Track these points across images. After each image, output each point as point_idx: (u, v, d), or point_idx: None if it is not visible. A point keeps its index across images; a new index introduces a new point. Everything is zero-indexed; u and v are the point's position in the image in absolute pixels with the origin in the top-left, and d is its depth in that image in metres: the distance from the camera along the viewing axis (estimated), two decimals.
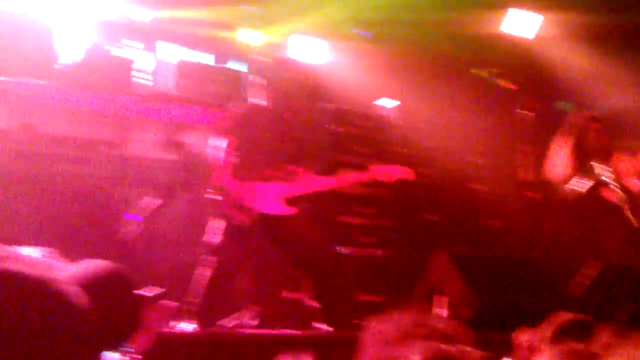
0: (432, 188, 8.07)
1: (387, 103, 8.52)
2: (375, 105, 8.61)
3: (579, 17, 8.37)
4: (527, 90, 8.86)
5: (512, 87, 5.68)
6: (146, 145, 6.49)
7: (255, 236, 5.37)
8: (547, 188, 7.51)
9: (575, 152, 6.61)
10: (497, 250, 7.56)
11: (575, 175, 6.51)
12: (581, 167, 6.55)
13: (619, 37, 8.44)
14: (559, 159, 6.67)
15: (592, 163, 6.56)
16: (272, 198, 5.52)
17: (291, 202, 5.58)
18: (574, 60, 8.60)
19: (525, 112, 5.95)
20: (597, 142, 6.65)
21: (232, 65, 8.21)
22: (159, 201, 5.94)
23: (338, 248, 7.17)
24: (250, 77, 7.06)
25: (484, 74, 5.85)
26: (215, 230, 5.31)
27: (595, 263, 6.08)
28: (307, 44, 8.40)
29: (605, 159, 6.67)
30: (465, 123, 8.32)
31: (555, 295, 5.96)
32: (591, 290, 5.74)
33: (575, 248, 6.67)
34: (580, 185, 6.49)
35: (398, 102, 8.20)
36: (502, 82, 5.82)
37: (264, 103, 6.10)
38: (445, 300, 5.33)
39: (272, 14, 8.21)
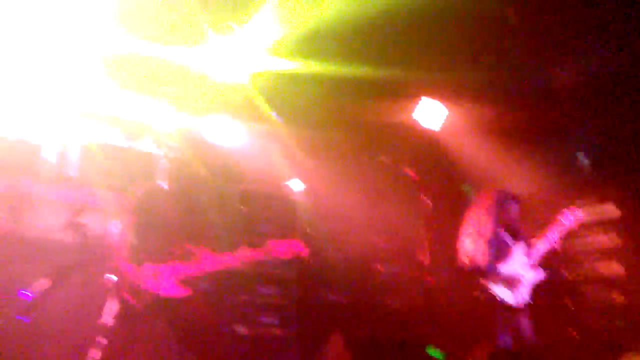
0: (335, 268, 8.25)
1: (296, 184, 8.67)
2: (283, 186, 8.73)
3: (483, 111, 8.88)
4: (431, 177, 9.30)
5: (416, 173, 5.88)
6: (45, 226, 6.46)
7: (149, 319, 5.37)
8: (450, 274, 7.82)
9: (489, 228, 6.80)
10: (395, 334, 7.71)
11: (486, 252, 6.66)
12: (495, 243, 6.75)
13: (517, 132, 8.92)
14: (470, 238, 6.84)
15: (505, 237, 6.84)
16: (167, 279, 5.53)
17: (187, 282, 5.58)
18: (477, 149, 9.15)
19: (429, 197, 6.14)
20: (510, 217, 6.90)
21: (143, 145, 8.26)
22: (51, 282, 5.89)
23: (237, 328, 7.21)
24: (161, 157, 7.16)
25: (390, 160, 6.04)
26: (109, 313, 5.29)
27: (485, 346, 6.28)
28: (221, 125, 8.47)
29: (516, 234, 6.95)
30: (370, 207, 8.57)
31: None
32: None
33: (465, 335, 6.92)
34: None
35: (306, 184, 8.33)
36: (406, 169, 5.98)
37: (167, 183, 6.15)
38: None
39: (187, 94, 8.28)
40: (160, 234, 5.73)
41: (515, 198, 6.99)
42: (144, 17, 7.14)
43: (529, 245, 6.82)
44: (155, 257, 5.54)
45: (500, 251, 6.76)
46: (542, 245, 6.82)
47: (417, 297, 5.96)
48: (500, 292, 6.58)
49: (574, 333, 8.28)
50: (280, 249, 5.80)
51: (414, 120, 8.52)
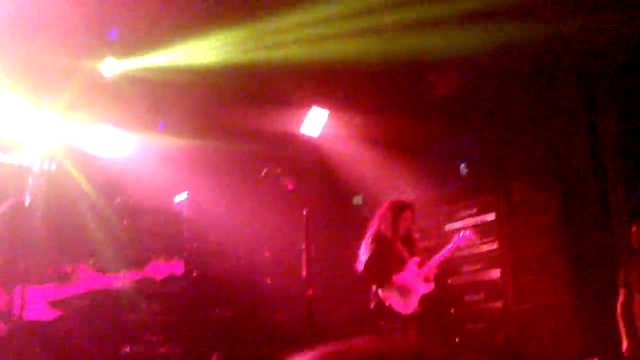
0: (221, 282, 8.12)
1: (182, 198, 8.54)
2: (169, 200, 8.56)
3: (366, 120, 9.00)
4: (312, 187, 9.40)
5: (295, 184, 5.91)
6: None
7: (18, 344, 5.16)
8: None
9: (386, 238, 6.99)
10: (279, 348, 7.68)
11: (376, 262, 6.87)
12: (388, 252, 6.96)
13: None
14: (367, 247, 7.04)
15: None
16: (38, 302, 5.33)
17: (60, 303, 5.42)
18: (361, 158, 9.29)
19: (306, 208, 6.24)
20: (407, 226, 7.12)
21: (15, 158, 7.87)
22: None
23: (121, 347, 7.04)
24: (33, 171, 6.88)
25: (271, 171, 6.07)
26: None
27: None
28: (104, 136, 8.21)
29: (411, 246, 7.18)
30: (255, 219, 8.53)
31: None
32: None
33: None
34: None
35: (192, 197, 8.22)
36: (285, 180, 6.08)
37: (38, 199, 5.94)
38: None
39: (72, 101, 7.92)
40: (31, 254, 5.53)
41: (410, 207, 7.20)
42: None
43: (422, 259, 7.08)
44: (26, 278, 5.35)
45: (396, 262, 6.94)
46: (434, 261, 7.12)
47: (300, 310, 5.99)
48: (393, 301, 6.76)
49: (457, 338, 8.55)
50: (160, 270, 5.74)
51: (297, 129, 8.69)
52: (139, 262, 6.21)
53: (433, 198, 9.06)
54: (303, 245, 5.82)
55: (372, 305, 6.91)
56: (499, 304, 8.29)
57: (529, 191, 8.41)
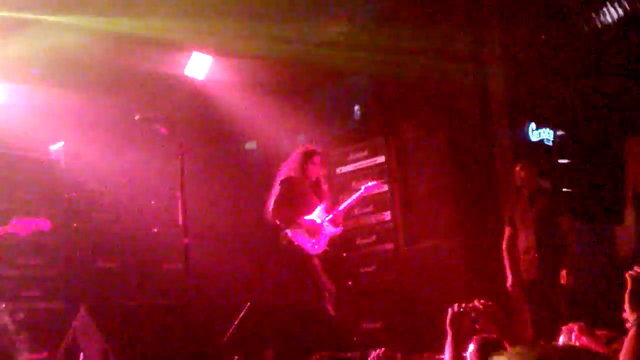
0: (105, 233, 7.86)
1: (57, 147, 8.04)
2: (45, 149, 8.04)
3: (254, 64, 8.78)
4: (207, 133, 9.23)
5: (180, 129, 5.75)
6: None
7: None
8: None
9: (292, 182, 7.08)
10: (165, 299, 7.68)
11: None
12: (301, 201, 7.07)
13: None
14: (274, 193, 7.10)
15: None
16: None
17: None
18: (252, 102, 9.11)
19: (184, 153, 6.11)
20: (316, 172, 7.22)
21: None
22: None
23: None
24: None
25: (148, 116, 5.89)
26: None
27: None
28: None
29: (319, 191, 7.28)
30: (138, 167, 8.26)
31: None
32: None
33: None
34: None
35: (68, 146, 7.83)
36: (165, 125, 5.83)
37: None
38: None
39: None
40: None
41: (320, 154, 7.26)
42: None
43: (330, 204, 7.25)
44: None
45: (304, 205, 7.09)
46: (342, 208, 7.31)
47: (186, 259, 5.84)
48: (302, 240, 6.97)
49: (350, 282, 8.63)
50: (24, 226, 5.58)
51: (179, 73, 8.39)
52: (9, 216, 5.98)
53: (325, 142, 8.89)
54: (178, 193, 5.64)
55: (282, 243, 7.04)
56: (389, 246, 8.37)
57: (418, 132, 8.45)
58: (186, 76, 8.57)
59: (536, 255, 6.86)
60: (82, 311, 5.49)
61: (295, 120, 9.22)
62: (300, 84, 9.31)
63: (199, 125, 9.09)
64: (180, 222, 5.60)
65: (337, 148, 9.00)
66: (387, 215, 8.38)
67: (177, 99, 8.70)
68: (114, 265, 7.85)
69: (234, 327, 6.11)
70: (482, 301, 3.14)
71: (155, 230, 8.21)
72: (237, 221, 9.06)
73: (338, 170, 8.89)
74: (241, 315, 6.24)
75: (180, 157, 5.64)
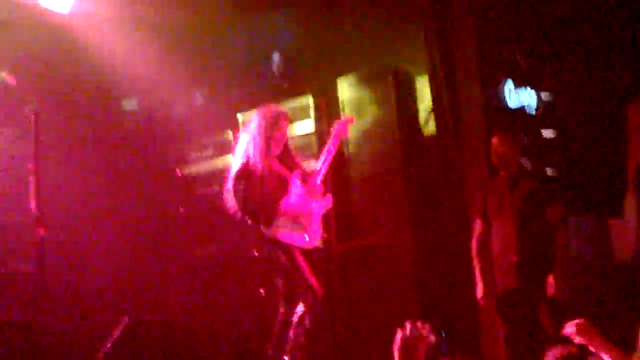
0: None
1: None
2: None
3: None
4: (65, 85, 9.05)
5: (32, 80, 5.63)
6: None
7: None
8: None
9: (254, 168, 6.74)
10: None
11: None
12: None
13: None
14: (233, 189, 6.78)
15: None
16: None
17: None
18: (134, 45, 8.98)
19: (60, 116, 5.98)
20: (282, 140, 6.89)
21: None
22: None
23: None
24: None
25: None
26: None
27: None
28: None
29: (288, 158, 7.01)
30: None
31: None
32: None
33: None
34: None
35: None
36: (13, 74, 5.87)
37: None
38: None
39: None
40: None
41: (285, 114, 6.99)
42: None
43: (303, 171, 6.95)
44: None
45: (278, 188, 6.76)
46: (320, 167, 6.95)
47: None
48: (290, 235, 6.66)
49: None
50: None
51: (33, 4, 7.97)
52: None
53: (231, 100, 8.99)
54: (30, 166, 5.60)
55: (265, 254, 6.74)
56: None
57: (358, 91, 8.38)
58: (42, 7, 8.11)
59: (515, 257, 6.76)
60: None
61: (192, 71, 9.15)
62: (198, 20, 9.13)
63: (59, 76, 8.86)
64: (32, 207, 5.60)
65: (249, 110, 8.47)
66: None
67: (28, 38, 8.42)
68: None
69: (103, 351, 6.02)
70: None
71: None
72: (112, 208, 8.92)
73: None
74: (115, 336, 6.16)
75: (33, 120, 5.57)
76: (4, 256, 8.00)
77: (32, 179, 5.61)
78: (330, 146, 7.00)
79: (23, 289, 7.37)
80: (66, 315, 7.49)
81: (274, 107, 7.08)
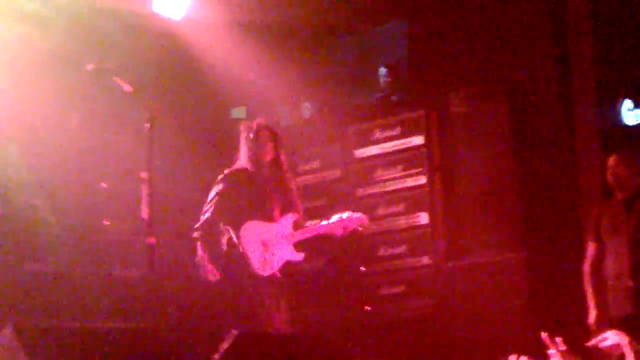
0: (44, 228, 7.88)
1: None
2: None
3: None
4: (177, 93, 9.26)
5: (147, 87, 5.75)
6: None
7: None
8: None
9: (237, 173, 6.87)
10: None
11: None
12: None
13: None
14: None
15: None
16: None
17: None
18: (245, 53, 9.13)
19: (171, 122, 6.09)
20: (264, 154, 6.89)
21: None
22: None
23: None
24: None
25: (105, 67, 6.09)
26: None
27: None
28: None
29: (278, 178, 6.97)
30: (87, 135, 8.24)
31: None
32: None
33: None
34: None
35: None
36: (129, 80, 5.85)
37: None
38: None
39: None
40: None
41: (263, 126, 6.95)
42: None
43: (300, 219, 6.95)
44: None
45: (255, 202, 6.80)
46: (311, 231, 6.92)
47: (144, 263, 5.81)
48: (251, 251, 6.66)
49: (367, 307, 8.53)
50: None
51: (147, 11, 8.22)
52: None
53: (339, 113, 9.05)
54: (144, 174, 5.60)
55: (223, 247, 6.75)
56: (425, 260, 8.27)
57: (470, 106, 8.30)
58: (155, 13, 8.35)
59: (631, 281, 6.58)
60: (7, 331, 5.16)
61: (300, 81, 9.23)
62: (309, 31, 9.24)
63: (172, 84, 9.03)
64: (144, 214, 5.56)
65: (358, 122, 8.86)
66: (424, 218, 8.29)
67: (144, 45, 8.57)
68: (48, 270, 7.87)
69: None
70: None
71: (107, 223, 8.17)
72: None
73: (357, 154, 8.79)
74: (225, 346, 6.10)
75: (149, 125, 5.56)
76: (111, 262, 8.11)
77: (144, 187, 5.60)
78: (328, 225, 6.88)
79: (131, 298, 7.64)
80: (176, 323, 7.58)
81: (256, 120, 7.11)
